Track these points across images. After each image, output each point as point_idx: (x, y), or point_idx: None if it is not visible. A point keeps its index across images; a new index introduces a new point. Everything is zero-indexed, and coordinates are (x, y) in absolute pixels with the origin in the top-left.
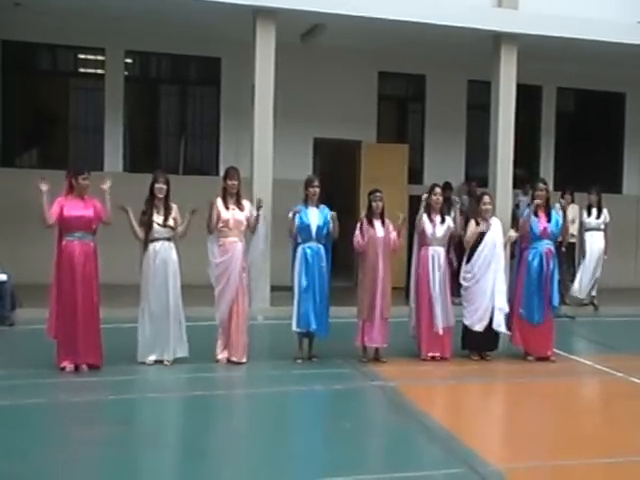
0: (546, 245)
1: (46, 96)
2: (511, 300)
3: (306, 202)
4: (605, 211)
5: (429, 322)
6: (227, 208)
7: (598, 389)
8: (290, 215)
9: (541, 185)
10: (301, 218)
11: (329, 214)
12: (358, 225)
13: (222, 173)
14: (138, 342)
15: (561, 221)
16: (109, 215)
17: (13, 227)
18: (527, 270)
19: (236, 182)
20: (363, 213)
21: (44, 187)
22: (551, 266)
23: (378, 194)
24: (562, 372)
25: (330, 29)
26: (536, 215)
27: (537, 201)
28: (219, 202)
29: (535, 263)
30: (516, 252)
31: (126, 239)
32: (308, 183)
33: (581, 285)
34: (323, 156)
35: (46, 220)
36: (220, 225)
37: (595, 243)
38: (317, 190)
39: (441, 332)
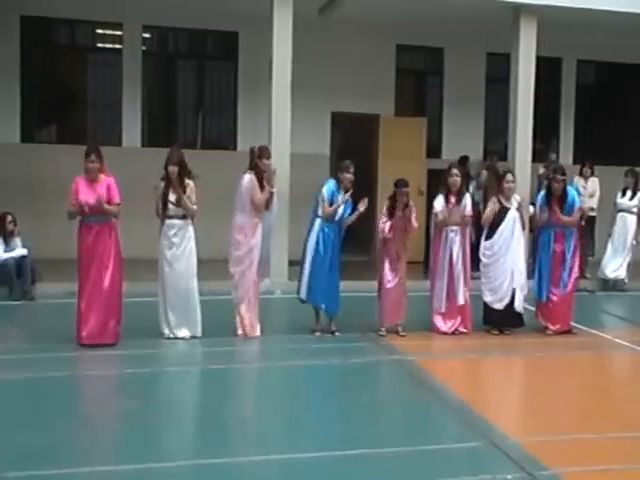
0: (559, 229)
1: (64, 71)
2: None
3: (338, 185)
4: None
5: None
6: (262, 189)
7: (618, 363)
8: (323, 191)
9: (559, 177)
10: (332, 201)
11: (360, 205)
12: (385, 212)
13: (240, 148)
14: (159, 317)
15: (578, 201)
16: (115, 211)
17: (32, 202)
18: (540, 249)
19: (271, 161)
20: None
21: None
22: (564, 247)
23: (406, 189)
24: (582, 346)
25: (348, 2)
26: (550, 206)
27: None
28: (256, 183)
29: (547, 244)
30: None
31: (144, 213)
32: (344, 169)
33: (608, 266)
34: (341, 130)
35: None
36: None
37: (625, 225)
38: (352, 177)
39: (436, 306)
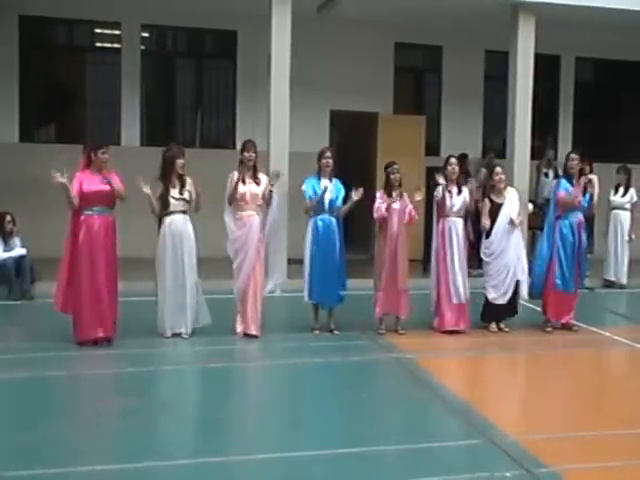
0: (578, 215)
1: (63, 71)
2: (545, 270)
3: (319, 174)
4: (632, 190)
5: (448, 294)
6: (244, 182)
7: (617, 360)
8: (303, 188)
9: (573, 155)
10: (314, 190)
11: (354, 194)
12: (378, 195)
13: (239, 146)
14: (157, 315)
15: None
16: (122, 192)
17: (31, 201)
18: (562, 241)
19: (253, 154)
20: (381, 186)
21: (62, 179)
22: (583, 237)
23: (395, 166)
24: (581, 343)
25: (346, 0)
26: (572, 185)
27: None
28: (236, 176)
29: (569, 234)
30: (545, 223)
31: (142, 212)
32: (321, 155)
33: (616, 268)
34: (340, 128)
35: (74, 203)
36: (237, 198)
37: (618, 222)
38: (330, 161)
39: (455, 301)
